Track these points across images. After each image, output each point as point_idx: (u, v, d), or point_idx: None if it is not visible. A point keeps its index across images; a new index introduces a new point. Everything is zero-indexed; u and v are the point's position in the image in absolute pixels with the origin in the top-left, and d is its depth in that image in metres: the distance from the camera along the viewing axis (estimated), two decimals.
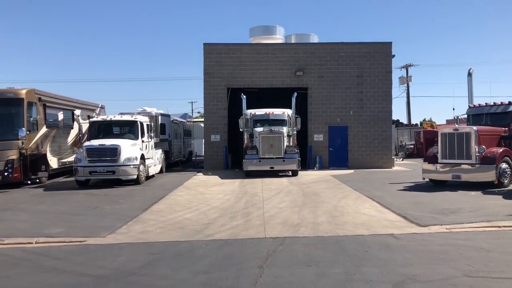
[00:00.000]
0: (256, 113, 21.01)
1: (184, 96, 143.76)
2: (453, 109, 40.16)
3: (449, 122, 38.12)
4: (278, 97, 24.15)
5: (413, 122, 49.30)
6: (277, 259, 6.61)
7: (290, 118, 20.74)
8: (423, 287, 5.20)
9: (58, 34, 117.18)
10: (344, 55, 24.08)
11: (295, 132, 20.88)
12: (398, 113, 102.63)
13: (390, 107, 24.20)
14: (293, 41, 26.25)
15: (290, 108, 20.92)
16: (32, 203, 13.50)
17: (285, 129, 19.70)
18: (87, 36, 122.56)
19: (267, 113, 20.87)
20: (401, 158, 33.53)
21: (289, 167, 19.11)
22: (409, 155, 35.76)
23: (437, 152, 15.08)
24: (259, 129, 19.64)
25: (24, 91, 17.74)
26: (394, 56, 24.35)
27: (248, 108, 21.41)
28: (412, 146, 37.19)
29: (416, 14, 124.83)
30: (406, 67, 51.79)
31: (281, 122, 20.51)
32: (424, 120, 55.07)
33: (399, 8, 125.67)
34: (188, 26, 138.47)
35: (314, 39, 26.66)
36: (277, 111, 21.06)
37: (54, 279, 6.08)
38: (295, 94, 20.94)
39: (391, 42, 24.22)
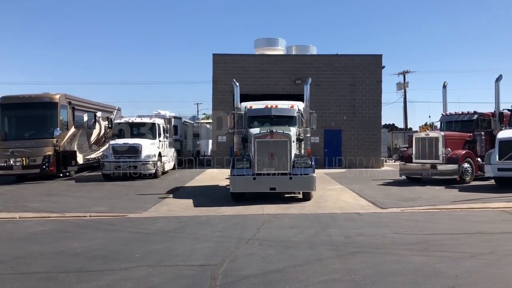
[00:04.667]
0: (253, 107, 14.98)
1: (190, 98, 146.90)
2: (429, 116, 42.78)
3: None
4: None
5: (413, 126, 51.91)
6: (270, 225, 9.35)
7: (301, 114, 14.78)
8: (364, 238, 7.92)
9: (66, 36, 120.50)
10: (339, 65, 26.80)
11: (308, 135, 15.01)
12: (397, 117, 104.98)
13: (380, 113, 26.91)
14: (293, 52, 28.99)
15: (302, 100, 15.46)
16: (70, 191, 16.28)
17: (293, 130, 13.60)
18: (100, 40, 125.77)
19: (269, 106, 14.82)
20: (394, 160, 36.18)
21: (299, 187, 13.05)
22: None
23: (412, 153, 17.77)
24: (254, 131, 13.48)
25: (57, 96, 20.51)
26: (384, 67, 27.12)
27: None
28: (405, 149, 39.76)
29: (413, 24, 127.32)
30: (404, 73, 54.40)
31: (288, 120, 14.44)
32: (426, 124, 57.71)
33: (396, 20, 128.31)
34: (196, 35, 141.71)
35: (313, 50, 29.37)
36: (282, 104, 15.06)
37: (115, 235, 8.82)
38: (309, 80, 15.66)
39: (381, 55, 26.99)
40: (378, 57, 27.01)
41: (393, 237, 7.97)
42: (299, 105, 15.04)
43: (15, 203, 13.27)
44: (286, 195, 13.84)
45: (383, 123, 35.35)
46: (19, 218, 11.20)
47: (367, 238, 7.91)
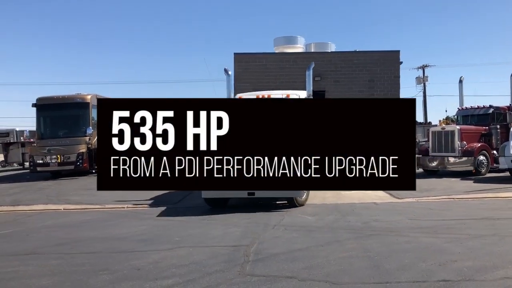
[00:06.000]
0: (243, 97, 13.29)
1: (212, 96, 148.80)
2: (446, 110, 42.98)
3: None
4: None
5: (433, 120, 52.10)
6: (292, 213, 10.22)
7: None
8: (379, 223, 8.73)
9: (92, 37, 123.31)
10: (357, 62, 27.38)
11: None
12: (416, 111, 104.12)
13: None
14: (312, 50, 29.66)
15: (304, 89, 13.58)
16: None
17: None
18: (123, 42, 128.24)
19: (260, 96, 12.93)
20: None
21: (283, 192, 10.42)
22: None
23: (429, 147, 18.40)
24: None
25: (89, 96, 21.71)
26: (401, 62, 27.54)
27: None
28: (424, 143, 40.08)
29: (431, 18, 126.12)
30: (423, 67, 54.52)
31: None
32: (447, 117, 57.79)
33: (415, 14, 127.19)
34: (216, 35, 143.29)
35: (332, 47, 29.99)
36: (276, 94, 13.33)
37: (153, 223, 9.81)
38: (312, 65, 13.01)
39: (399, 50, 27.43)
40: (396, 53, 27.47)
41: (406, 222, 8.77)
42: (300, 95, 13.27)
43: (56, 197, 14.44)
44: (277, 202, 11.67)
45: None
46: (64, 209, 12.35)
47: (382, 224, 8.72)
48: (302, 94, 13.48)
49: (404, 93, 27.40)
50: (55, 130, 21.49)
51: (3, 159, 31.73)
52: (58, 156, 20.47)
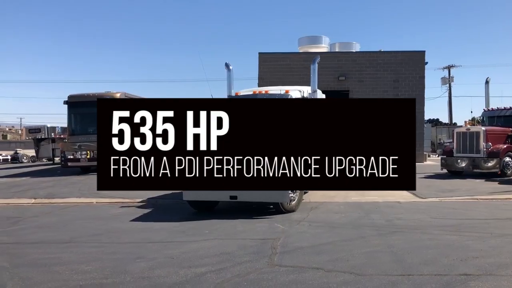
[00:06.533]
0: (240, 94, 12.75)
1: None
2: (471, 111, 42.32)
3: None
4: None
5: (458, 121, 51.50)
6: (317, 210, 10.48)
7: None
8: (403, 221, 8.92)
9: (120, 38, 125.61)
10: (382, 62, 27.38)
11: None
12: (441, 112, 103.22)
13: (423, 109, 27.31)
14: (337, 49, 29.77)
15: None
16: None
17: None
18: (155, 43, 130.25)
19: (257, 92, 12.52)
20: (438, 155, 36.33)
21: (267, 195, 9.41)
22: None
23: (453, 148, 18.36)
24: None
25: (118, 94, 22.30)
26: (427, 63, 27.46)
27: None
28: (448, 144, 39.70)
29: (458, 18, 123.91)
30: (449, 68, 53.84)
31: None
32: (473, 118, 57.09)
33: (439, 15, 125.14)
34: (243, 36, 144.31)
35: (356, 47, 30.04)
36: (275, 89, 12.58)
37: (183, 216, 10.19)
38: (318, 58, 13.37)
39: (424, 51, 27.35)
40: (421, 53, 27.39)
41: (429, 221, 8.94)
42: (304, 90, 12.36)
43: (88, 191, 14.99)
44: (270, 206, 10.53)
45: (427, 117, 35.57)
46: (96, 202, 12.88)
47: (405, 222, 8.91)
48: (305, 90, 12.51)
49: (429, 94, 27.28)
50: (85, 127, 22.16)
51: (34, 154, 32.84)
52: (88, 152, 21.15)
